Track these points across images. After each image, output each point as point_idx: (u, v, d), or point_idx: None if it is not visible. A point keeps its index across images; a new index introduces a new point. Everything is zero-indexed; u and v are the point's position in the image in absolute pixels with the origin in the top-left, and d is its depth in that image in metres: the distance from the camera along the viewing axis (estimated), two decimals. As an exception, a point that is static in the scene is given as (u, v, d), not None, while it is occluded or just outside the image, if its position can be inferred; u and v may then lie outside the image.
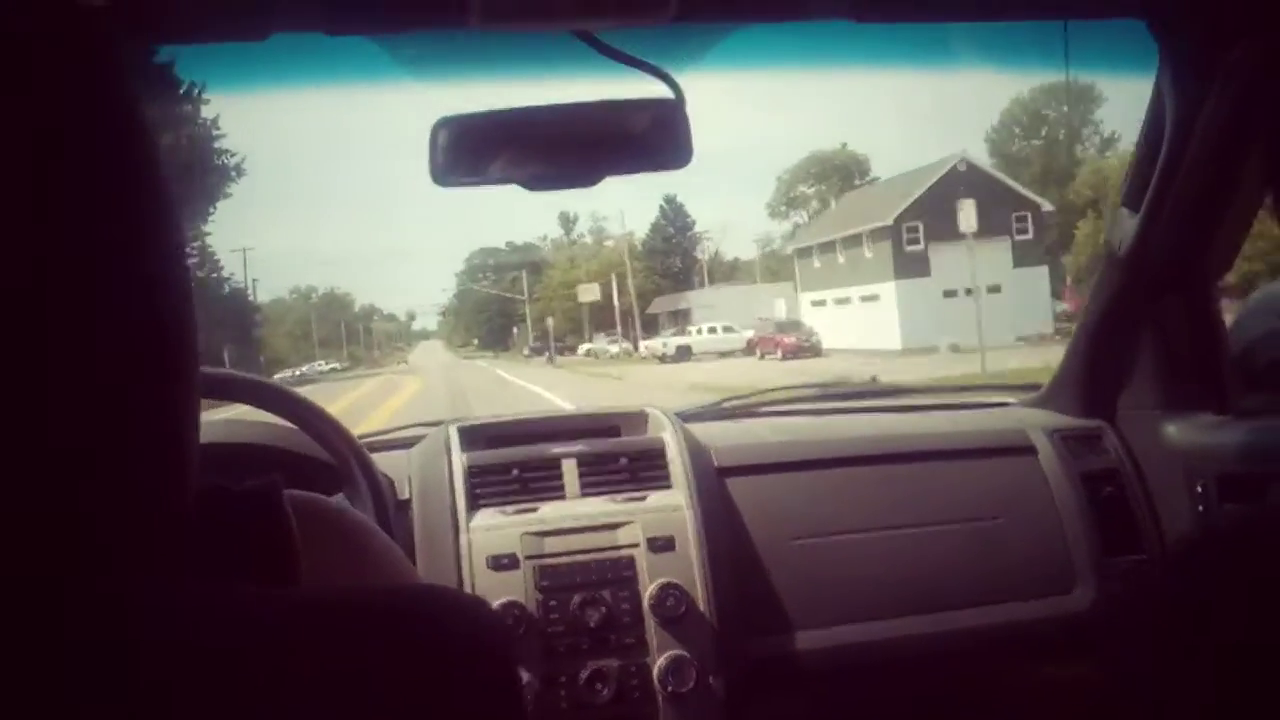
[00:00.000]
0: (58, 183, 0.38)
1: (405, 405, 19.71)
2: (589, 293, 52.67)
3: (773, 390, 2.32)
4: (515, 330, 74.29)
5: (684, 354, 37.88)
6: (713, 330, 40.53)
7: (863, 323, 34.98)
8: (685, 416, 1.88)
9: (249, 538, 0.50)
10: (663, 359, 38.25)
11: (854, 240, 38.15)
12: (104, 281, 0.39)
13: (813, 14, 1.28)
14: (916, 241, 34.94)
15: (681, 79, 1.31)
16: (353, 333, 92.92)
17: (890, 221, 35.33)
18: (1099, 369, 1.91)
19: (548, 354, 48.56)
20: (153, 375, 0.42)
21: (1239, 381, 1.77)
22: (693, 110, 1.31)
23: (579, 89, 1.38)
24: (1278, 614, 0.59)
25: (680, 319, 48.93)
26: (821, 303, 39.57)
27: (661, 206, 68.10)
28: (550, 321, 58.70)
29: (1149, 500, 1.81)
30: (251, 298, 48.05)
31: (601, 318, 56.71)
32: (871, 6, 1.29)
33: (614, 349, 46.52)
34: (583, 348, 51.64)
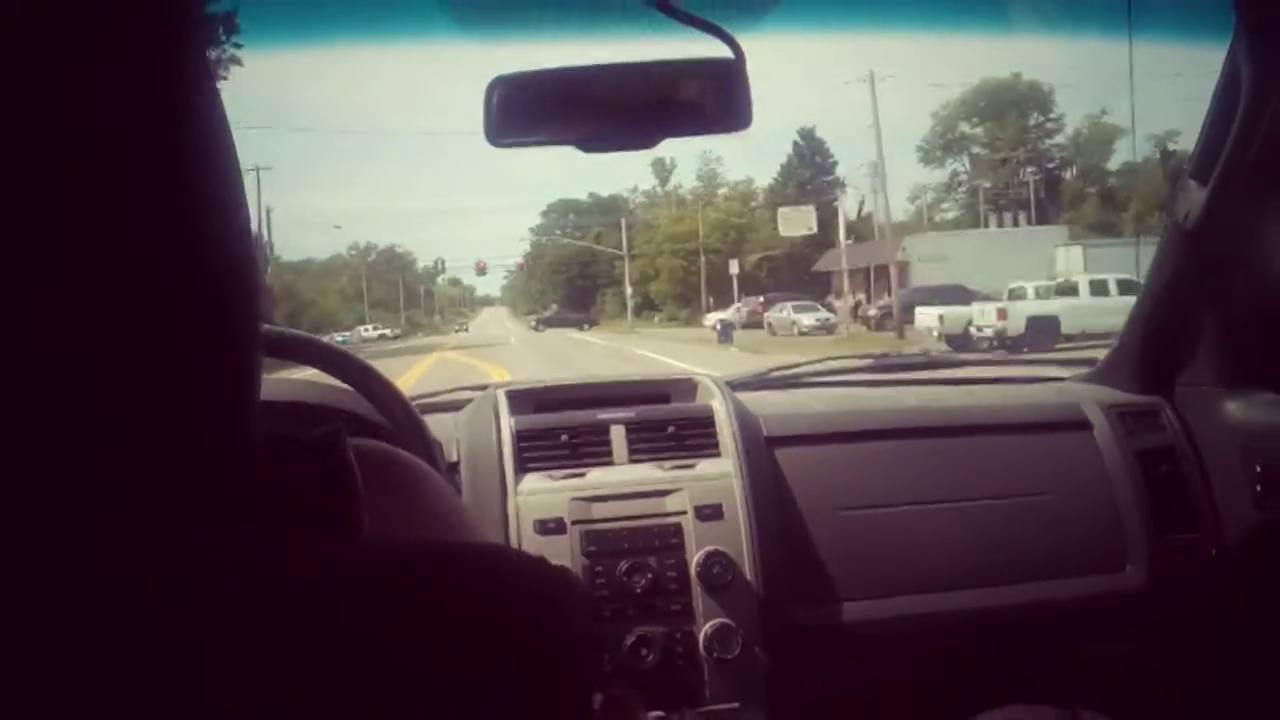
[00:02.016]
0: (128, 136, 0.38)
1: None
2: (797, 223, 36.05)
3: (822, 360, 2.29)
4: (601, 296, 62.97)
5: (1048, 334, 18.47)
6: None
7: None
8: (734, 385, 1.86)
9: (312, 485, 0.50)
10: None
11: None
12: (170, 233, 0.39)
13: None
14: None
15: (743, 40, 1.29)
16: (413, 295, 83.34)
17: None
18: (1157, 344, 1.87)
19: (724, 327, 30.53)
20: (215, 329, 0.42)
21: None
22: (754, 70, 1.28)
23: (637, 49, 1.36)
24: None
25: (874, 279, 35.72)
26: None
27: (795, 142, 54.45)
28: (653, 287, 49.95)
29: (1205, 479, 1.78)
30: (265, 242, 37.93)
31: (721, 282, 45.41)
32: None
33: (807, 320, 31.24)
34: (710, 318, 39.23)
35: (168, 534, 0.40)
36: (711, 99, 1.32)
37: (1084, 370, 2.05)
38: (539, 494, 1.59)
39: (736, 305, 39.66)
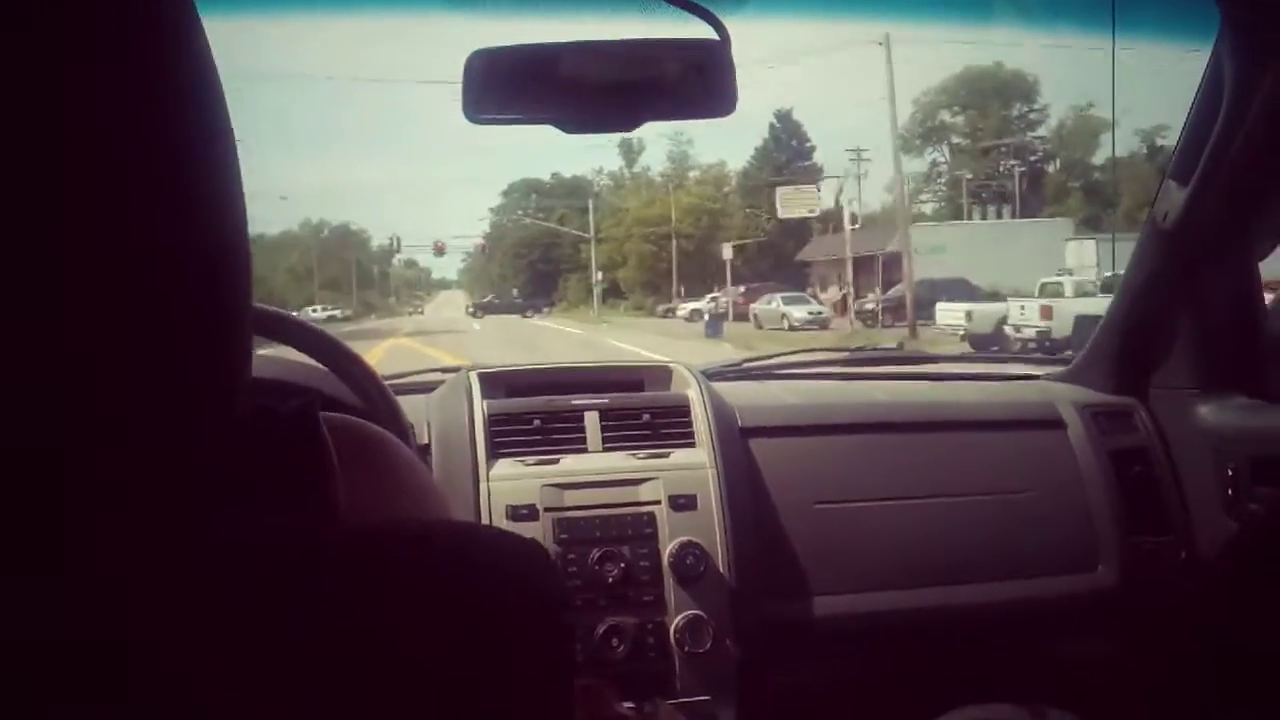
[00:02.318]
0: (118, 110, 0.36)
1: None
2: (798, 204, 32.30)
3: (797, 351, 2.28)
4: (564, 281, 58.47)
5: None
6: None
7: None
8: (709, 374, 1.85)
9: (288, 459, 0.49)
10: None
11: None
12: (169, 224, 0.38)
13: None
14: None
15: (728, 22, 1.26)
16: (367, 275, 77.11)
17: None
18: (1132, 345, 1.87)
19: (712, 319, 28.17)
20: (210, 314, 0.41)
21: (1276, 365, 1.74)
22: (739, 53, 1.26)
23: (620, 27, 1.33)
24: None
25: (858, 271, 32.17)
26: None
27: (771, 125, 50.10)
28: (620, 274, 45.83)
29: (1178, 481, 1.78)
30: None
31: (691, 269, 44.13)
32: None
33: (799, 313, 28.50)
34: (684, 307, 37.14)
35: (167, 525, 0.40)
36: (696, 82, 1.29)
37: (1059, 369, 2.05)
38: (511, 479, 1.56)
39: (713, 295, 37.67)
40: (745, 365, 2.09)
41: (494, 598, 0.43)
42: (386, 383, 1.40)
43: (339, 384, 1.33)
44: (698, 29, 1.26)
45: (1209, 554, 1.74)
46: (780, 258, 43.14)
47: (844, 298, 31.01)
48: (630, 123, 1.37)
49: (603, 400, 1.68)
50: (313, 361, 1.31)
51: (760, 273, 42.21)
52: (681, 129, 52.27)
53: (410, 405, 1.61)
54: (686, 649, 1.50)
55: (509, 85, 1.29)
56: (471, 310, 51.10)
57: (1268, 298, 1.78)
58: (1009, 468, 1.76)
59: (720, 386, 1.79)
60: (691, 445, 1.64)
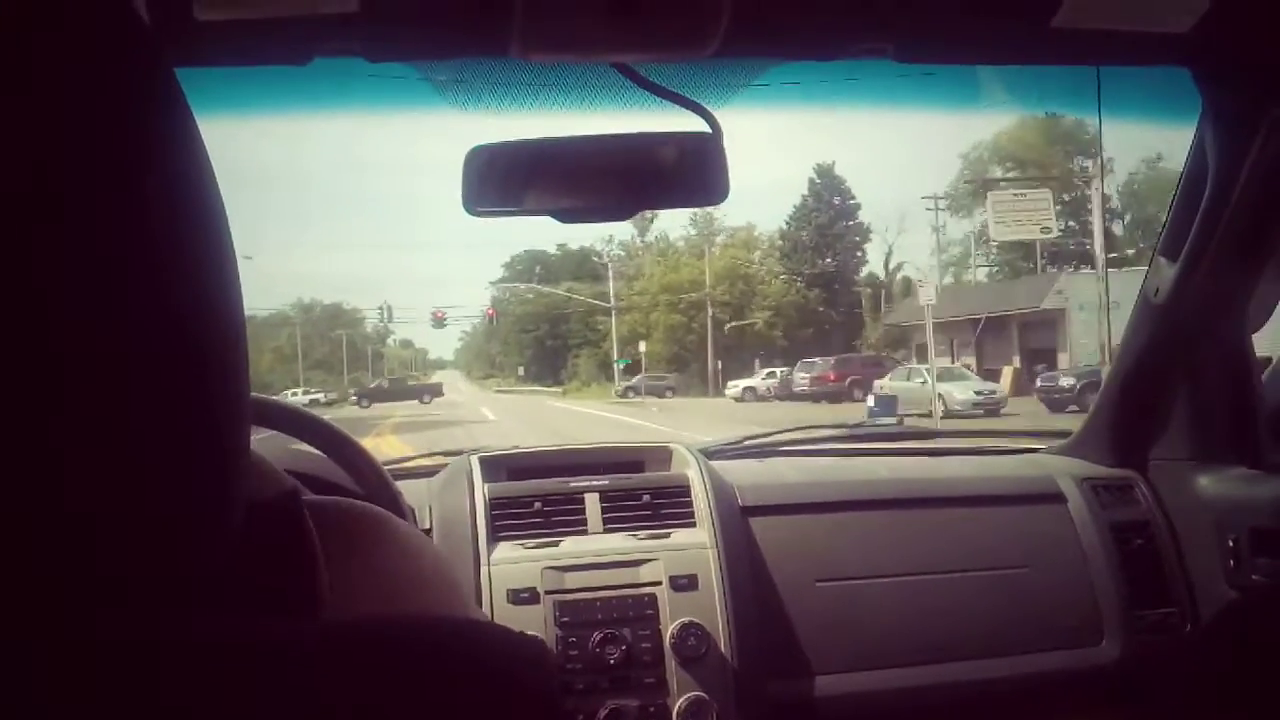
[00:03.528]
0: (113, 199, 0.37)
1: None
2: (1021, 218, 22.71)
3: (796, 429, 2.30)
4: (573, 358, 53.91)
5: None
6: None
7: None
8: (708, 453, 1.86)
9: (270, 554, 0.49)
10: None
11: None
12: (161, 297, 0.38)
13: (854, 54, 1.28)
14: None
15: (718, 113, 1.31)
16: (360, 355, 72.79)
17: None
18: (1130, 418, 1.88)
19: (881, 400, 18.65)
20: (202, 395, 0.41)
21: (1272, 435, 1.74)
22: (729, 145, 1.30)
23: (614, 120, 1.37)
24: None
25: (992, 334, 27.51)
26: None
27: (811, 180, 45.68)
28: (644, 347, 39.14)
29: (1180, 553, 1.78)
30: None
31: (726, 341, 40.03)
32: (912, 48, 1.29)
33: (961, 393, 21.91)
34: (735, 385, 33.25)
35: (166, 623, 0.39)
36: (689, 172, 1.33)
37: (1058, 442, 2.06)
38: (512, 563, 1.57)
39: (770, 369, 33.98)
40: (746, 443, 2.10)
41: (481, 699, 0.43)
42: (388, 467, 1.42)
43: (336, 469, 1.34)
44: (690, 121, 1.31)
45: (1213, 626, 1.73)
46: (823, 326, 40.67)
47: (1014, 372, 24.97)
48: (625, 212, 1.42)
49: (603, 482, 1.70)
50: (306, 447, 1.33)
51: (801, 342, 39.77)
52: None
53: (412, 489, 1.63)
54: None
55: (507, 179, 1.33)
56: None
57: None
58: (1010, 542, 1.76)
59: (720, 465, 1.81)
60: (692, 525, 1.65)
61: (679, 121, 1.32)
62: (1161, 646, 1.73)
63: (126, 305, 0.37)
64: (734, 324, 41.89)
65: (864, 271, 46.35)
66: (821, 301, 42.04)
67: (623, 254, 54.18)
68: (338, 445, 1.32)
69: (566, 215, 1.39)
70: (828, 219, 45.28)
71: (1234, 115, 1.49)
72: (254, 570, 0.47)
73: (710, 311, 41.95)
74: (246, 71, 1.18)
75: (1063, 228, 34.97)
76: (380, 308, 49.46)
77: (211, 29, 1.01)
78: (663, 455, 1.82)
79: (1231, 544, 1.70)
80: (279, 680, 0.40)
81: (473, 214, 1.33)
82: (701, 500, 1.67)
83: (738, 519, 1.68)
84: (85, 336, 0.36)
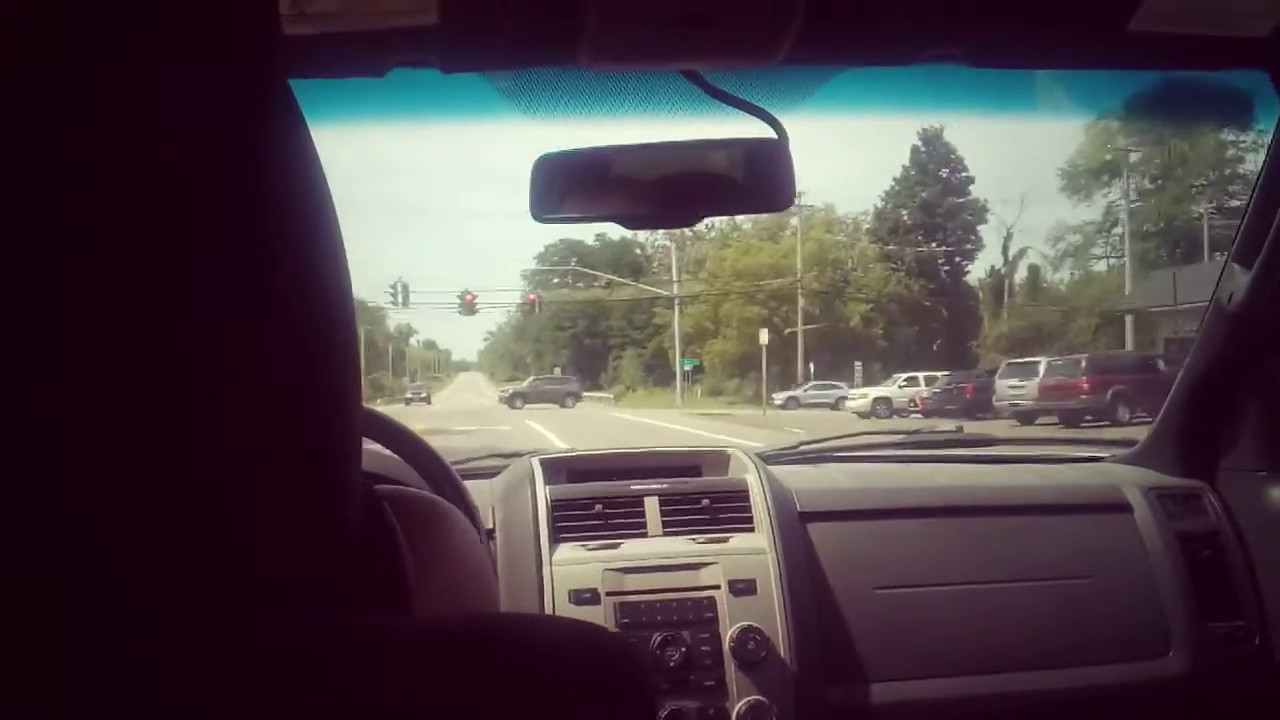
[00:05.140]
0: (235, 214, 0.38)
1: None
2: None
3: (853, 435, 2.28)
4: (615, 359, 47.25)
5: None
6: None
7: None
8: (765, 458, 1.86)
9: (357, 550, 0.48)
10: None
11: None
12: (280, 310, 0.39)
13: (925, 59, 1.27)
14: None
15: (785, 119, 1.30)
16: (380, 355, 64.01)
17: None
18: (1200, 427, 1.85)
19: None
20: (324, 392, 0.42)
21: None
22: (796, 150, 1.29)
23: (677, 127, 1.38)
24: None
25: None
26: None
27: (914, 148, 37.63)
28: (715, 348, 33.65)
29: (1250, 564, 1.75)
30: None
31: (817, 343, 32.70)
32: (983, 53, 1.28)
33: None
34: (860, 395, 26.81)
35: (276, 616, 0.40)
36: (754, 178, 1.33)
37: (1124, 450, 2.02)
38: (573, 564, 1.58)
39: (909, 374, 27.10)
40: (802, 448, 2.10)
41: (583, 693, 0.42)
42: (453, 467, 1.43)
43: (404, 468, 1.35)
44: (754, 127, 1.31)
45: None
46: (929, 322, 34.24)
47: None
48: (689, 219, 1.42)
49: (662, 485, 1.71)
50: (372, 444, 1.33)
51: (902, 342, 34.08)
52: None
53: (475, 490, 1.64)
54: None
55: (574, 186, 1.34)
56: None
57: None
58: (1074, 552, 1.74)
59: (777, 470, 1.80)
60: (750, 530, 1.65)
61: (743, 127, 1.32)
62: (1229, 659, 1.70)
63: (254, 305, 0.38)
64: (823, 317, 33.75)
65: (978, 258, 38.36)
66: (928, 293, 34.41)
67: (668, 245, 45.92)
68: (404, 443, 1.33)
69: (630, 221, 1.40)
70: (934, 195, 37.09)
71: None
72: (348, 566, 0.47)
73: (800, 303, 33.97)
74: (316, 83, 1.19)
75: (1213, 208, 31.90)
76: (393, 287, 37.90)
77: (296, 42, 1.03)
78: (720, 459, 1.83)
79: None
80: (378, 679, 0.40)
81: (540, 221, 1.34)
82: (760, 505, 1.67)
83: (796, 524, 1.68)
84: (213, 336, 0.37)
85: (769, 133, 1.30)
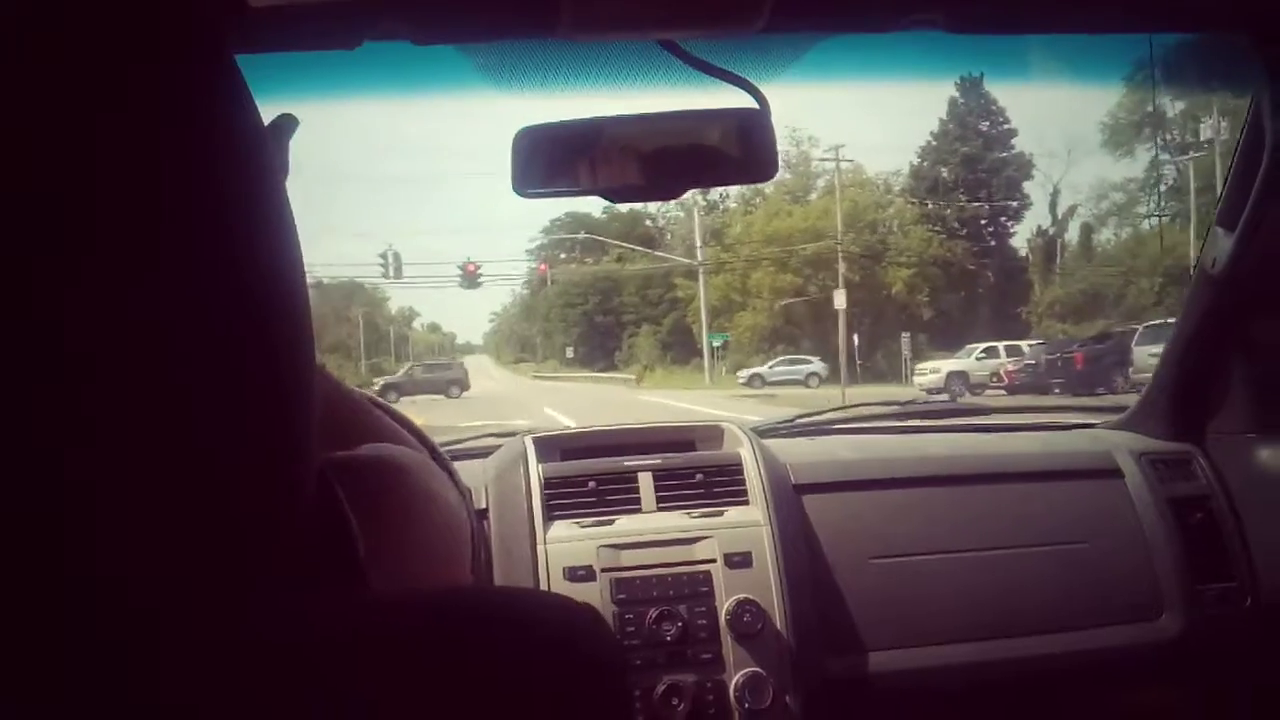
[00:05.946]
0: (182, 192, 0.38)
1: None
2: None
3: (849, 407, 2.29)
4: (629, 336, 43.77)
5: None
6: None
7: None
8: (760, 432, 1.86)
9: (306, 525, 0.47)
10: None
11: None
12: (229, 288, 0.39)
13: (905, 25, 1.27)
14: None
15: (766, 89, 1.30)
16: (381, 337, 62.56)
17: None
18: (1188, 391, 1.86)
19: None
20: (278, 372, 0.42)
21: None
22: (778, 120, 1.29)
23: (659, 99, 1.37)
24: None
25: None
26: None
27: (953, 100, 33.71)
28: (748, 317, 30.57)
29: (1240, 527, 1.76)
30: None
31: (821, 323, 29.92)
32: (964, 18, 1.27)
33: None
34: (932, 369, 24.48)
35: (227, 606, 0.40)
36: (738, 149, 1.33)
37: (1114, 416, 2.03)
38: (568, 541, 1.59)
39: (988, 343, 24.35)
40: (797, 421, 2.10)
41: (547, 666, 0.43)
42: (443, 448, 1.44)
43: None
44: (736, 97, 1.31)
45: (1274, 600, 1.70)
46: (975, 288, 31.12)
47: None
48: (673, 191, 1.42)
49: (655, 461, 1.71)
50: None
51: (946, 313, 31.20)
52: (800, 125, 36.87)
53: (467, 470, 1.64)
54: (747, 706, 1.50)
55: (556, 160, 1.33)
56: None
57: None
58: (1067, 518, 1.74)
59: (773, 443, 1.81)
60: (745, 503, 1.66)
61: (725, 98, 1.31)
62: (1222, 621, 1.70)
63: (205, 289, 0.38)
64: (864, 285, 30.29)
65: (1026, 217, 34.75)
66: (971, 256, 31.25)
67: (681, 215, 42.84)
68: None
69: (614, 195, 1.39)
70: (976, 149, 33.64)
71: None
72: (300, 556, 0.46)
73: (841, 268, 30.11)
74: (288, 57, 1.18)
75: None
76: (383, 255, 35.25)
77: (264, 15, 1.03)
78: (714, 434, 1.83)
79: None
80: (330, 660, 0.40)
81: (521, 195, 1.33)
82: (754, 478, 1.67)
83: (790, 497, 1.68)
84: (165, 321, 0.37)
85: (751, 104, 1.30)
